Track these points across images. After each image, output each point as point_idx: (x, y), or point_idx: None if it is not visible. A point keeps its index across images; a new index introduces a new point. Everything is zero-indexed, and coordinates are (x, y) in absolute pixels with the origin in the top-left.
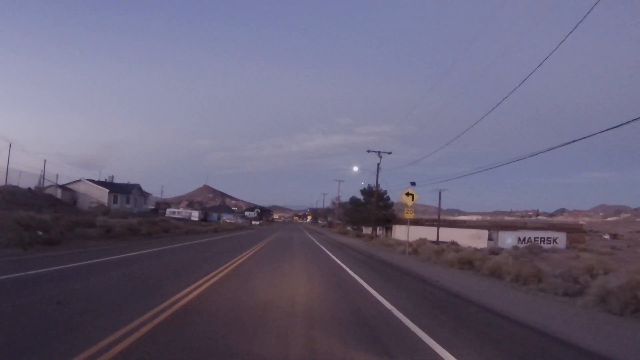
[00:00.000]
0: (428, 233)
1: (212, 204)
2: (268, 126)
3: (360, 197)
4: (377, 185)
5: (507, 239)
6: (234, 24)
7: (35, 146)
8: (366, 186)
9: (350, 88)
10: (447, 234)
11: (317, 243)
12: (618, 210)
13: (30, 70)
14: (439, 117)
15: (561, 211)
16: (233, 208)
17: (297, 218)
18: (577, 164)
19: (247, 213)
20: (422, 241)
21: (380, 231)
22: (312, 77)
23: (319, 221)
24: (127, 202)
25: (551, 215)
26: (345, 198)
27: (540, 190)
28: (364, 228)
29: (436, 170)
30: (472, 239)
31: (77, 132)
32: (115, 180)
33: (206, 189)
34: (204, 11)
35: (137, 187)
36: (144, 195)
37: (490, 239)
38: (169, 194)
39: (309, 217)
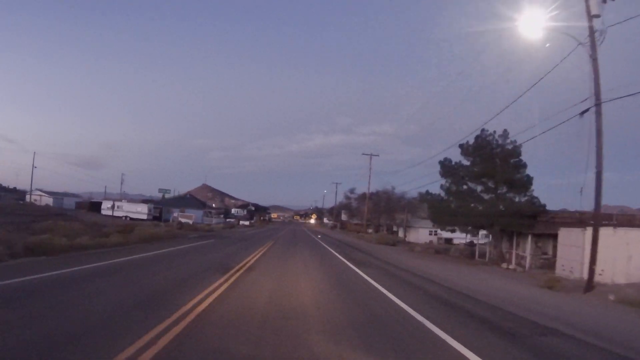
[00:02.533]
0: None
1: (211, 203)
2: (268, 126)
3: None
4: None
5: None
6: (233, 24)
7: (34, 146)
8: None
9: (350, 88)
10: None
11: None
12: (621, 210)
13: (30, 70)
14: (439, 117)
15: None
16: (202, 201)
17: (297, 217)
18: (576, 162)
19: (234, 210)
20: None
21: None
22: (312, 77)
23: (325, 220)
24: None
25: None
26: (357, 191)
27: (539, 190)
28: (400, 232)
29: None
30: None
31: (76, 132)
32: None
33: (205, 188)
34: (204, 11)
35: None
36: None
37: None
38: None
39: (313, 217)
